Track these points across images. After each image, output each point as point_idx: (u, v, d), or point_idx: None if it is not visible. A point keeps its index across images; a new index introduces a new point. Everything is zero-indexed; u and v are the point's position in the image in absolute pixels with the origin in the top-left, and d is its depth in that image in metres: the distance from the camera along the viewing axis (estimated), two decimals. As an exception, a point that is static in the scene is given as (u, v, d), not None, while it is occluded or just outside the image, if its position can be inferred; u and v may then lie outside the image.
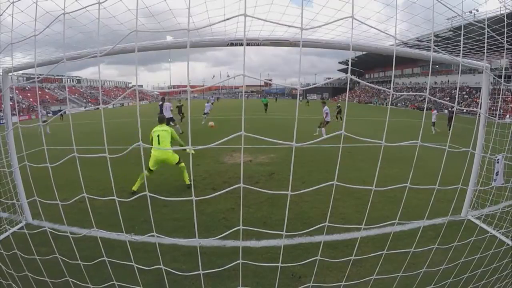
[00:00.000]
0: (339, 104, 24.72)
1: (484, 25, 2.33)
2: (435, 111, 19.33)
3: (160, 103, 16.06)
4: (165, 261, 3.70)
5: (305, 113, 28.21)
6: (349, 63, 1.70)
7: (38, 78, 2.07)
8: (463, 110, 3.28)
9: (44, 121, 19.70)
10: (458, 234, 2.73)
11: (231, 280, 3.40)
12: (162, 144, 6.53)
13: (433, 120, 17.81)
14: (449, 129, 15.56)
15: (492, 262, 2.92)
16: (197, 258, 2.04)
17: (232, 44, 3.73)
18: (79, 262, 2.27)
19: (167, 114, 14.53)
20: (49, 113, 42.26)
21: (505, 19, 3.15)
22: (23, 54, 4.75)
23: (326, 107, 15.13)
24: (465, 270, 2.80)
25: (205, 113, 21.25)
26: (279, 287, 3.28)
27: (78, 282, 2.47)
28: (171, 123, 14.42)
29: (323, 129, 14.74)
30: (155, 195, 1.83)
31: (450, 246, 2.57)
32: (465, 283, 2.79)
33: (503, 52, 4.11)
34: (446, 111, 23.85)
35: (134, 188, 6.33)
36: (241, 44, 3.67)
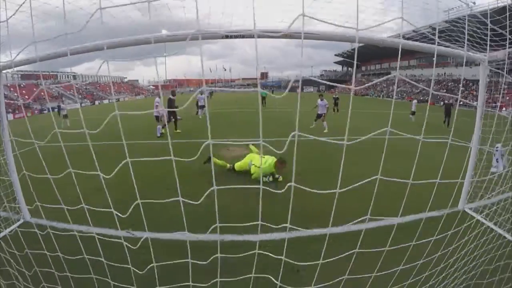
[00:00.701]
0: (336, 96, 24.66)
1: (484, 16, 2.31)
2: (415, 100, 20.33)
3: (170, 96, 14.34)
4: (163, 256, 3.71)
5: (304, 107, 28.04)
6: (355, 60, 1.68)
7: (41, 73, 2.04)
8: (460, 102, 3.28)
9: (65, 115, 19.12)
10: (454, 227, 2.75)
11: (230, 275, 3.41)
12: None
13: (412, 110, 18.61)
14: (447, 123, 15.28)
15: (489, 254, 2.95)
16: (195, 253, 2.04)
17: (227, 37, 3.68)
18: (77, 257, 2.26)
19: (155, 112, 13.09)
20: (45, 110, 41.95)
21: (507, 10, 3.14)
22: (17, 50, 4.68)
23: (323, 101, 14.74)
24: (462, 261, 2.83)
25: (201, 106, 20.10)
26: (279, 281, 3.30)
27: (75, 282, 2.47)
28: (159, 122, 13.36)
29: (324, 122, 14.43)
30: (148, 199, 1.82)
31: (447, 238, 2.59)
32: (463, 273, 2.82)
33: (499, 44, 4.11)
34: (442, 103, 21.31)
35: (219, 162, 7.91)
36: (236, 37, 3.62)
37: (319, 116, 14.90)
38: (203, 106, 20.03)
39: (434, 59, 2.13)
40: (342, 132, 1.65)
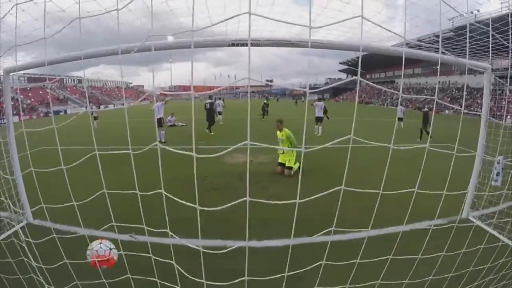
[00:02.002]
0: (324, 105, 25.32)
1: (487, 25, 2.32)
2: (401, 106, 21.13)
3: (209, 101, 15.98)
4: (165, 262, 3.71)
5: (298, 114, 27.96)
6: (359, 66, 1.70)
7: (50, 77, 2.07)
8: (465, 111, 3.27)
9: (95, 117, 20.37)
10: (458, 235, 2.73)
11: (231, 280, 3.39)
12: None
13: (399, 116, 18.78)
14: (426, 132, 14.13)
15: (493, 263, 2.92)
16: (197, 258, 2.05)
17: (233, 44, 3.73)
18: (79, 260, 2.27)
19: (158, 114, 13.17)
20: (50, 113, 42.26)
21: (510, 18, 3.15)
22: (25, 53, 4.76)
23: (318, 103, 15.98)
24: (465, 270, 2.80)
25: (219, 112, 20.81)
26: (279, 288, 3.28)
27: (76, 280, 2.47)
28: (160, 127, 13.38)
29: (320, 126, 15.50)
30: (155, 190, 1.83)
31: (451, 247, 2.57)
32: (466, 283, 2.79)
33: (504, 52, 4.11)
34: (421, 110, 17.06)
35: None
36: (243, 45, 3.66)
37: (319, 119, 15.59)
38: (220, 113, 20.94)
39: (438, 68, 2.14)
40: (336, 138, 1.66)
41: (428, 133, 14.00)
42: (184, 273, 2.37)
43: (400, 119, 18.71)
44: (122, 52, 2.81)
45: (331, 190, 1.90)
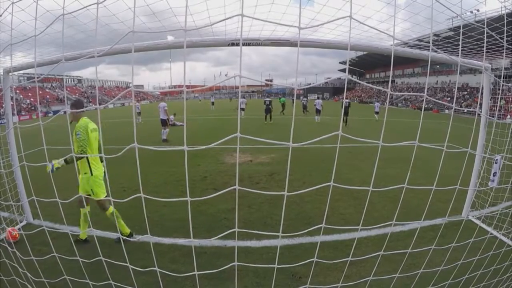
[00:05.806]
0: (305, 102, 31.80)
1: (484, 24, 2.32)
2: (377, 103, 24.98)
3: (267, 99, 21.77)
4: (165, 261, 3.71)
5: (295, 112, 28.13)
6: (347, 63, 1.70)
7: (38, 78, 2.07)
8: (465, 110, 3.28)
9: (139, 113, 21.81)
10: (458, 235, 2.72)
11: (230, 281, 3.40)
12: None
13: (376, 110, 23.69)
14: (345, 122, 18.21)
15: (492, 263, 2.92)
16: (198, 258, 2.05)
17: (233, 44, 3.72)
18: (79, 260, 2.26)
19: (162, 115, 13.28)
20: (50, 112, 42.23)
21: (505, 17, 3.14)
22: (24, 53, 4.75)
23: (317, 100, 21.59)
24: (465, 270, 2.80)
25: (242, 109, 23.71)
26: (280, 287, 3.28)
27: (77, 279, 2.47)
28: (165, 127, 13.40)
29: (319, 117, 20.62)
30: (150, 197, 1.83)
31: (450, 246, 2.57)
32: (465, 283, 2.79)
33: (504, 52, 4.10)
34: (346, 102, 20.74)
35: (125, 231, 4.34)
36: (242, 44, 3.65)
37: (318, 111, 21.19)
38: (243, 109, 24.16)
39: (428, 65, 2.13)
40: (345, 139, 1.66)
41: (345, 123, 18.44)
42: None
43: (376, 112, 23.70)
44: (101, 54, 2.81)
45: (318, 186, 1.89)
